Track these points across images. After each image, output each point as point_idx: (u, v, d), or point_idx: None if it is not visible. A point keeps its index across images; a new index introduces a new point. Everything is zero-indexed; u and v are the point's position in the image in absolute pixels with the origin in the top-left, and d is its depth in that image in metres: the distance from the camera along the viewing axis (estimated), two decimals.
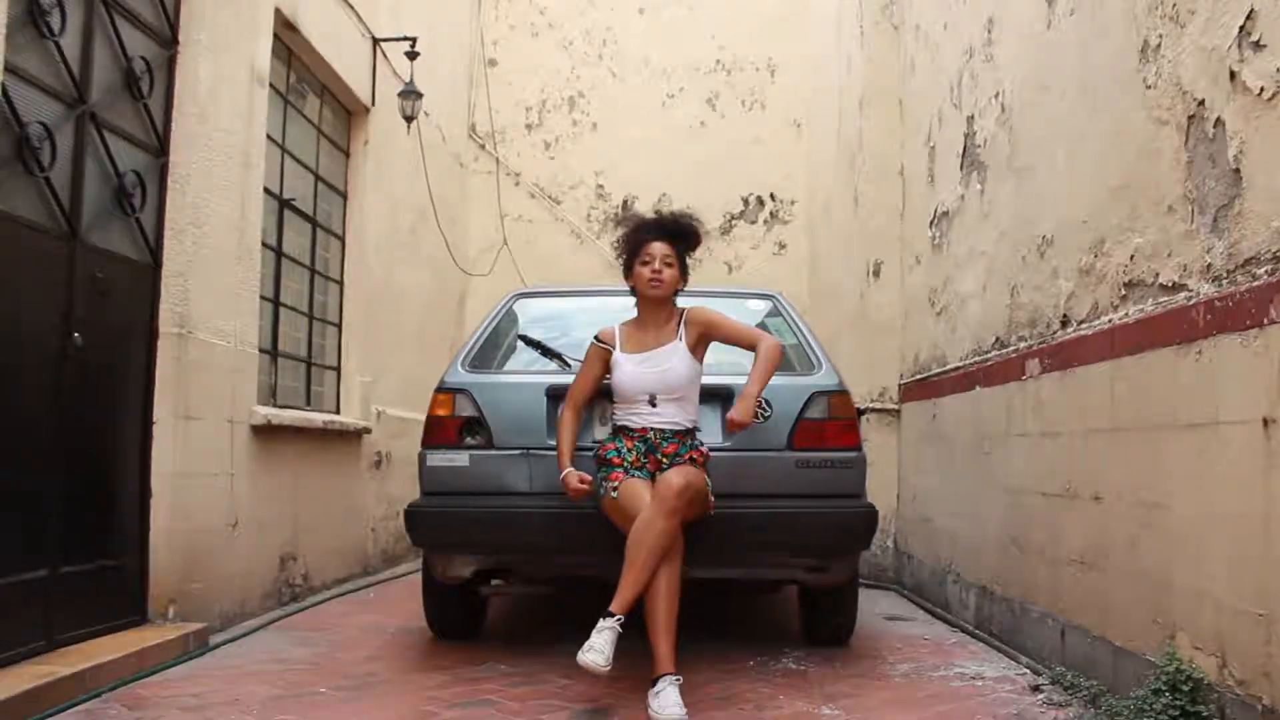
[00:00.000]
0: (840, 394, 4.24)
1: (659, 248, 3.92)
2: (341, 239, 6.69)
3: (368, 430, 6.61)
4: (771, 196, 9.73)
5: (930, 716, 3.42)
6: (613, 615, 3.40)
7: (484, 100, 9.68)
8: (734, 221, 9.73)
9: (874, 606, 5.73)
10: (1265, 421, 2.67)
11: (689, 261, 4.08)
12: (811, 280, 9.36)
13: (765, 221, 9.72)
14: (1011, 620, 4.50)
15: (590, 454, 4.00)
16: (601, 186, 9.78)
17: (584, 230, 9.75)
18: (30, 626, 3.53)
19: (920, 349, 6.40)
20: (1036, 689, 3.74)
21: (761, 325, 4.76)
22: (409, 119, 6.90)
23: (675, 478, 3.57)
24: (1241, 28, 2.88)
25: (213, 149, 4.59)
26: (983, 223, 5.16)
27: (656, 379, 3.84)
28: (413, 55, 6.78)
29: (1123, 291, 3.57)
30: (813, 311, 9.12)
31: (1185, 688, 2.93)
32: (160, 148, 4.36)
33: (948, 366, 5.72)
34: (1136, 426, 3.39)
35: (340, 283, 6.65)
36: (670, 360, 3.87)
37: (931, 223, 6.13)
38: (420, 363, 8.01)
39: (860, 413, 6.90)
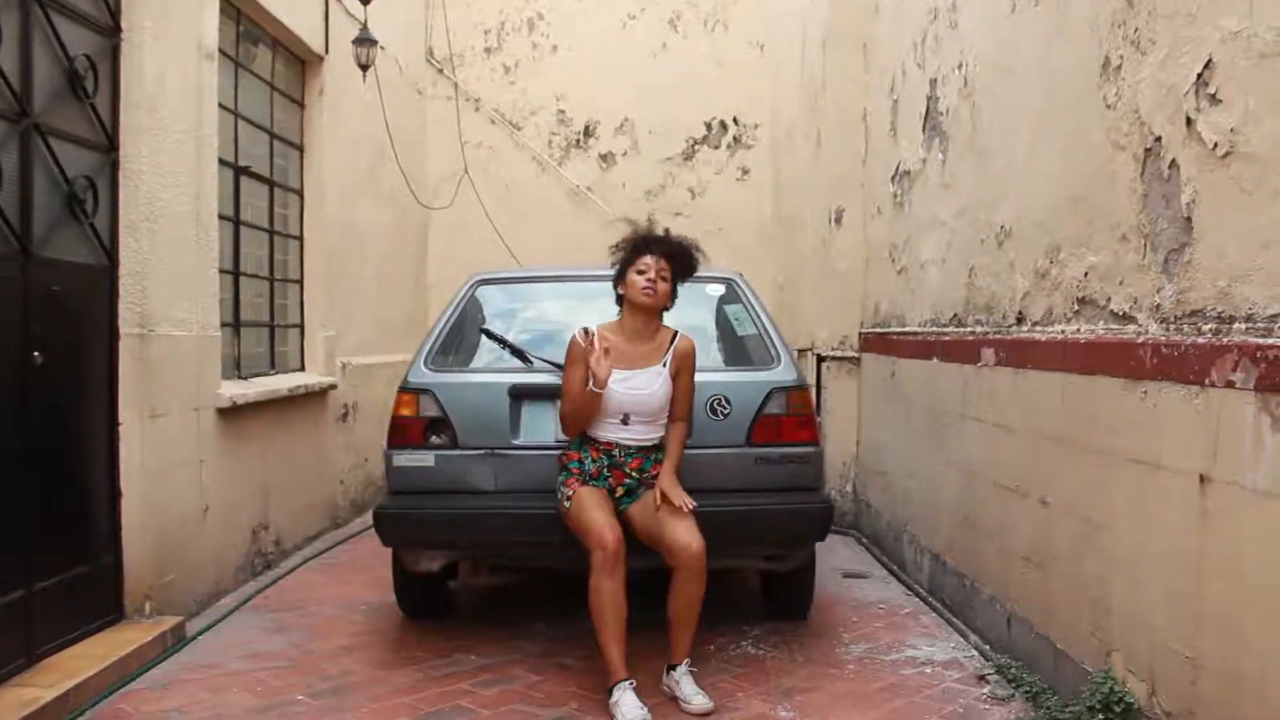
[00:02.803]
0: (799, 389, 4.32)
1: (657, 261, 3.91)
2: (300, 193, 6.58)
3: (333, 386, 6.64)
4: (735, 120, 9.60)
5: (882, 715, 3.62)
6: (623, 680, 3.59)
7: (441, 22, 9.40)
8: (697, 146, 9.62)
9: (833, 558, 5.93)
10: (1201, 478, 2.78)
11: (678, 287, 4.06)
12: (775, 209, 9.33)
13: (729, 146, 9.62)
14: (963, 595, 4.70)
15: (555, 453, 4.08)
16: (563, 111, 9.60)
17: (545, 157, 9.61)
18: (11, 646, 3.60)
19: (880, 301, 6.47)
20: (983, 679, 3.95)
21: (718, 309, 4.81)
22: (364, 67, 6.72)
23: (694, 541, 3.67)
24: (1199, 75, 2.87)
25: (164, 137, 4.48)
26: (944, 193, 5.17)
27: (634, 402, 3.86)
28: (366, 0, 6.56)
29: (1076, 306, 3.64)
30: (776, 240, 9.16)
31: (1117, 709, 3.12)
32: (110, 144, 4.25)
33: (907, 328, 5.80)
34: (1083, 445, 3.50)
35: (300, 239, 6.57)
36: (652, 385, 3.90)
37: (894, 177, 6.12)
38: (384, 303, 8.01)
39: (820, 359, 7.03)
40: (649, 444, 3.92)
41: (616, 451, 3.87)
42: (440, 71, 9.51)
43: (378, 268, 7.89)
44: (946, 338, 5.03)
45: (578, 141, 9.62)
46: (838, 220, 6.99)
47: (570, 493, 3.83)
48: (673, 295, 4.00)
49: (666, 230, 4.11)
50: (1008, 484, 4.16)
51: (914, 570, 5.50)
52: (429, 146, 9.45)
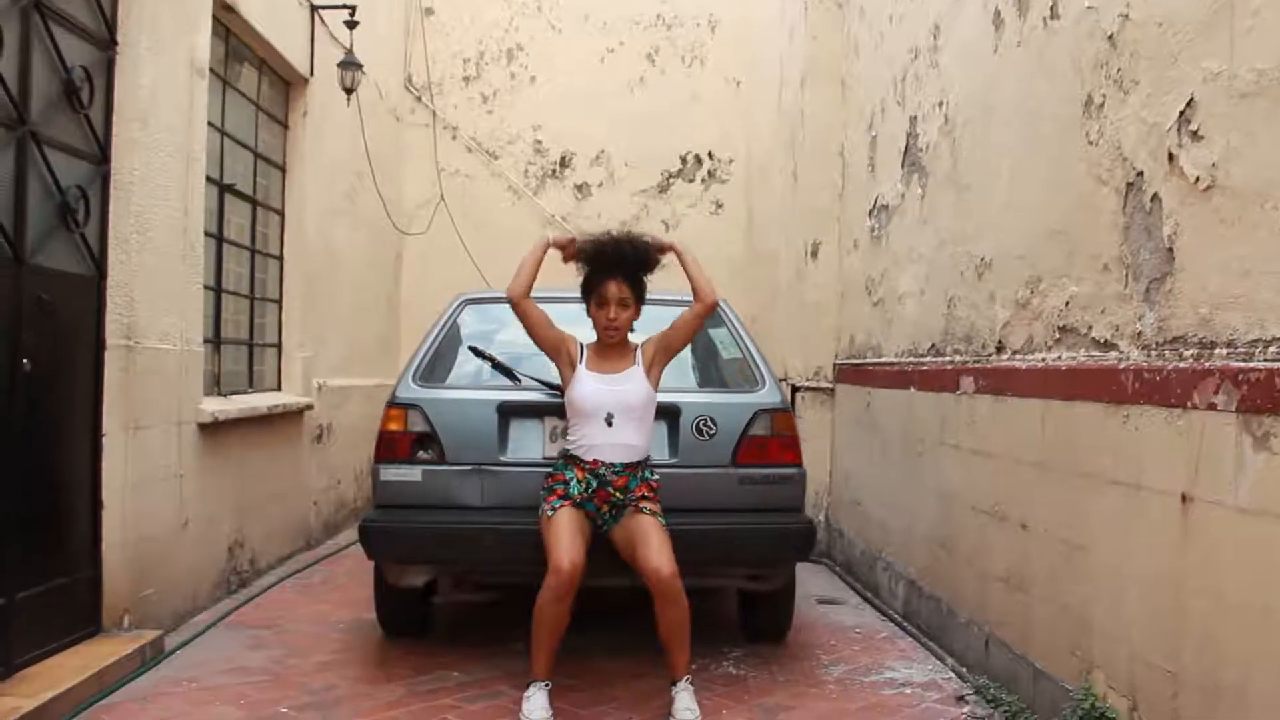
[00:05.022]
0: (783, 412, 4.39)
1: (614, 290, 3.96)
2: (280, 213, 6.60)
3: (309, 407, 6.62)
4: (710, 155, 9.75)
5: None
6: (541, 681, 3.73)
7: (421, 50, 9.48)
8: (672, 180, 9.75)
9: (807, 585, 5.96)
10: (1183, 497, 2.88)
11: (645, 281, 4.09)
12: (747, 243, 9.46)
13: (703, 180, 9.77)
14: (939, 619, 4.77)
15: (543, 470, 4.11)
16: (539, 141, 9.70)
17: (521, 185, 9.69)
18: None
19: (855, 333, 6.58)
20: (961, 699, 4.01)
21: (704, 333, 4.88)
22: (349, 91, 6.77)
23: (664, 565, 3.72)
24: (1181, 113, 2.99)
25: (154, 151, 4.50)
26: (922, 227, 5.30)
27: (614, 398, 3.92)
28: (352, 25, 6.62)
29: (1057, 334, 3.75)
30: (749, 274, 9.27)
31: None
32: (102, 155, 4.26)
33: (883, 359, 5.91)
34: (1064, 468, 3.60)
35: (280, 258, 6.58)
36: (629, 383, 3.97)
37: (871, 212, 6.25)
38: (359, 326, 8.02)
39: (795, 389, 7.12)
40: (634, 460, 3.94)
41: (603, 470, 3.90)
42: (419, 99, 9.58)
43: (353, 290, 7.90)
44: (924, 367, 5.13)
45: (554, 171, 9.71)
46: (813, 254, 7.11)
47: (556, 505, 3.86)
48: (640, 300, 4.05)
49: (610, 234, 4.07)
50: (986, 509, 4.25)
51: (889, 596, 5.57)
52: (406, 172, 9.50)
